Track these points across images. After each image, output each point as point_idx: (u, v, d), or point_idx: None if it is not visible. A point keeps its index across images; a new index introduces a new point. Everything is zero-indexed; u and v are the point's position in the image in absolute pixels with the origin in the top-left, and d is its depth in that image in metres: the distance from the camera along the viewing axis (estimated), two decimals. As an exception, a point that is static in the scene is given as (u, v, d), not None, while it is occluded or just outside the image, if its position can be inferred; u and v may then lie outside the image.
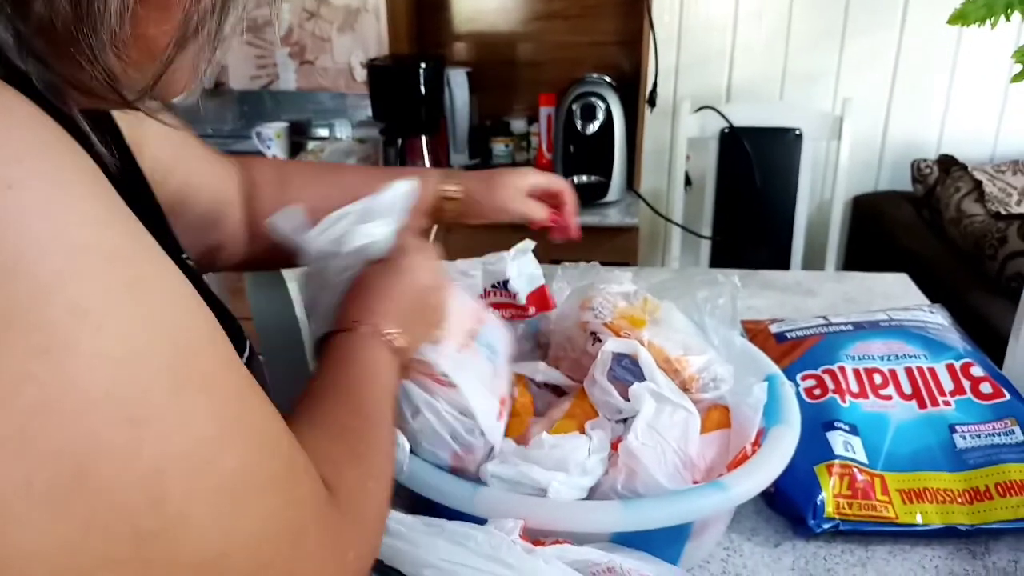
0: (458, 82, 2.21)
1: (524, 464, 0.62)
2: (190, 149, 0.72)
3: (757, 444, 0.68)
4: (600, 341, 0.74)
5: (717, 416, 0.71)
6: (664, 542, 0.64)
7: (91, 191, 0.28)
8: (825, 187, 2.35)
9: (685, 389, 0.71)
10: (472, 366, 0.66)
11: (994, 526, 0.75)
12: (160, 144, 0.64)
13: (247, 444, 0.32)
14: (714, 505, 0.62)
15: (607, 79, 2.00)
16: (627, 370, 0.70)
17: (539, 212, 0.85)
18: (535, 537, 0.57)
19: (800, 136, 2.05)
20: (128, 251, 0.29)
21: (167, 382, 0.28)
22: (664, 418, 0.65)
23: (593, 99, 1.91)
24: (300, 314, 0.95)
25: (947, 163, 2.13)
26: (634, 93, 2.03)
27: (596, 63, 2.23)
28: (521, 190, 0.85)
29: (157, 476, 0.27)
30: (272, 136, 2.34)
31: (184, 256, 0.59)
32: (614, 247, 1.92)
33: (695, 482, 0.65)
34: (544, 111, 2.21)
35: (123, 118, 0.58)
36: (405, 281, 0.60)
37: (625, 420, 0.73)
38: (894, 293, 1.35)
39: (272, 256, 0.82)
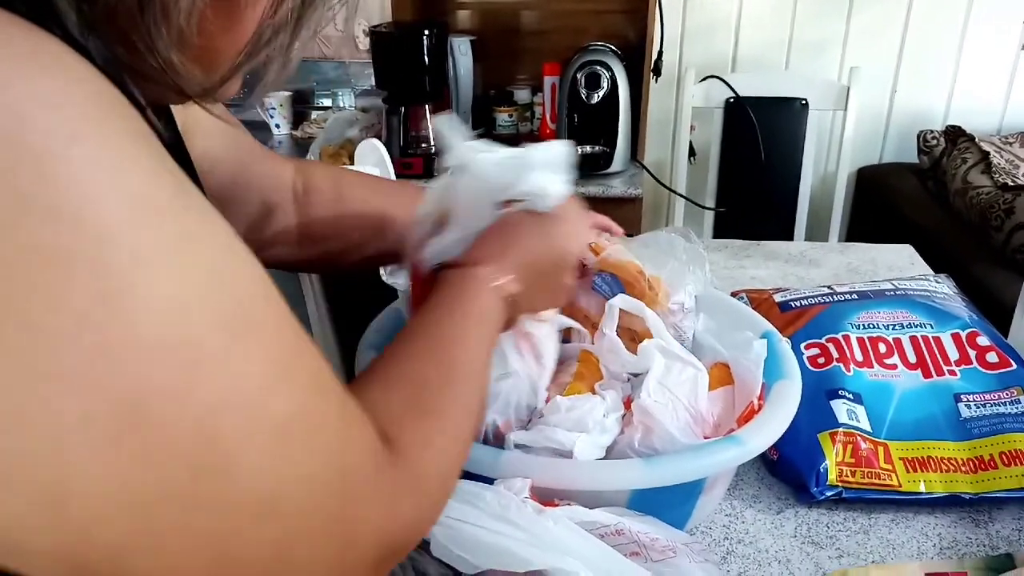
0: (462, 51, 2.19)
1: (547, 428, 0.63)
2: (242, 145, 0.71)
3: (761, 399, 0.69)
4: (585, 265, 0.79)
5: (718, 373, 0.71)
6: (680, 498, 0.66)
7: (145, 147, 0.29)
8: (830, 158, 2.34)
9: (652, 304, 0.75)
10: (551, 347, 0.67)
11: (998, 495, 0.76)
12: (210, 134, 0.64)
13: (299, 388, 0.33)
14: (733, 458, 0.63)
15: (612, 48, 1.97)
16: (607, 284, 0.76)
17: None
18: (553, 498, 0.58)
19: (806, 106, 2.03)
20: (181, 204, 0.30)
21: (221, 328, 0.30)
22: (673, 375, 0.66)
23: (598, 68, 1.89)
24: (312, 309, 0.95)
25: (954, 134, 2.11)
26: (639, 62, 2.01)
27: (601, 32, 2.20)
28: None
29: (211, 417, 0.29)
30: (275, 105, 2.32)
31: None
32: (617, 218, 1.89)
33: (706, 437, 0.66)
34: (548, 80, 2.19)
35: (176, 107, 0.58)
36: (550, 244, 0.59)
37: (629, 378, 0.75)
38: (898, 264, 1.35)
39: (322, 260, 0.83)
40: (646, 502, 0.63)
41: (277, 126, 2.37)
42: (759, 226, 1.90)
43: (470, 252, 0.56)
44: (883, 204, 2.21)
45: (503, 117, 2.31)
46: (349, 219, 0.80)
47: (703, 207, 2.10)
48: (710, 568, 0.58)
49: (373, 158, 1.25)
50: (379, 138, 1.81)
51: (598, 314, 0.80)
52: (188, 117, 0.59)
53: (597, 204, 1.90)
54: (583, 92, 1.90)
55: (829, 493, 0.76)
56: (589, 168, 1.96)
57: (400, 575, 0.54)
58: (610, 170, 1.95)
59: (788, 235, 2.08)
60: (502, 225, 0.58)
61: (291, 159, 0.82)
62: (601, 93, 1.90)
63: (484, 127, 2.33)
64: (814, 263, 1.36)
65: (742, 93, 2.03)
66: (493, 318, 0.54)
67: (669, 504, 0.65)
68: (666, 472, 0.61)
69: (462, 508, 0.54)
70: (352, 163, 1.30)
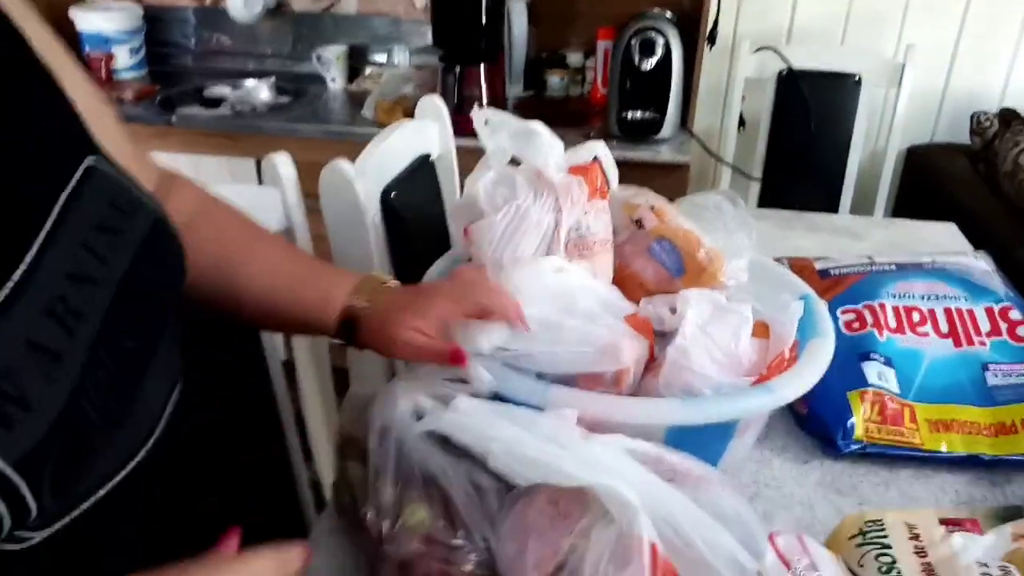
0: (517, 12, 2.21)
1: None
2: (107, 121, 0.61)
3: (794, 352, 0.73)
4: (643, 227, 0.81)
5: (756, 330, 0.76)
6: (713, 439, 0.71)
7: None
8: (880, 135, 2.33)
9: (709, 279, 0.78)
10: None
11: (1016, 458, 0.80)
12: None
13: None
14: (764, 404, 0.68)
15: (668, 15, 1.99)
16: (665, 252, 0.79)
17: (436, 352, 0.67)
18: (596, 431, 0.63)
19: (859, 82, 2.03)
20: None
21: None
22: (715, 322, 0.71)
23: (652, 34, 1.90)
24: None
25: (1008, 116, 2.09)
26: (694, 30, 2.02)
27: (657, -2, 2.21)
28: (427, 328, 0.68)
29: None
30: (331, 59, 2.37)
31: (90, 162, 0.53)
32: (664, 184, 1.93)
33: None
34: (601, 45, 2.21)
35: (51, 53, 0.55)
36: None
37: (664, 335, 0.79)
38: (941, 242, 1.36)
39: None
40: (681, 440, 0.68)
41: (333, 80, 2.42)
42: (804, 199, 1.91)
43: None
44: (931, 184, 2.20)
45: (555, 80, 2.34)
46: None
47: (749, 177, 2.12)
48: (740, 499, 0.63)
49: (432, 114, 1.30)
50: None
51: (653, 281, 0.82)
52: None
53: (645, 169, 1.94)
54: (636, 58, 1.92)
55: (854, 447, 0.81)
56: (639, 133, 1.98)
57: (458, 485, 0.60)
58: (659, 136, 1.98)
59: (833, 210, 2.09)
60: None
61: (153, 163, 0.70)
62: (654, 60, 1.91)
63: (535, 89, 2.36)
64: (857, 236, 1.38)
65: (796, 66, 2.03)
66: None
67: (703, 443, 0.70)
68: (702, 411, 0.66)
69: (518, 431, 0.60)
70: (408, 117, 1.35)
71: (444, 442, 0.62)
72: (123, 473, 0.54)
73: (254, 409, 0.96)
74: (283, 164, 0.91)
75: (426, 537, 0.57)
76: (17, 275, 0.46)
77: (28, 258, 0.47)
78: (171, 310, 0.60)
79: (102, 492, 0.52)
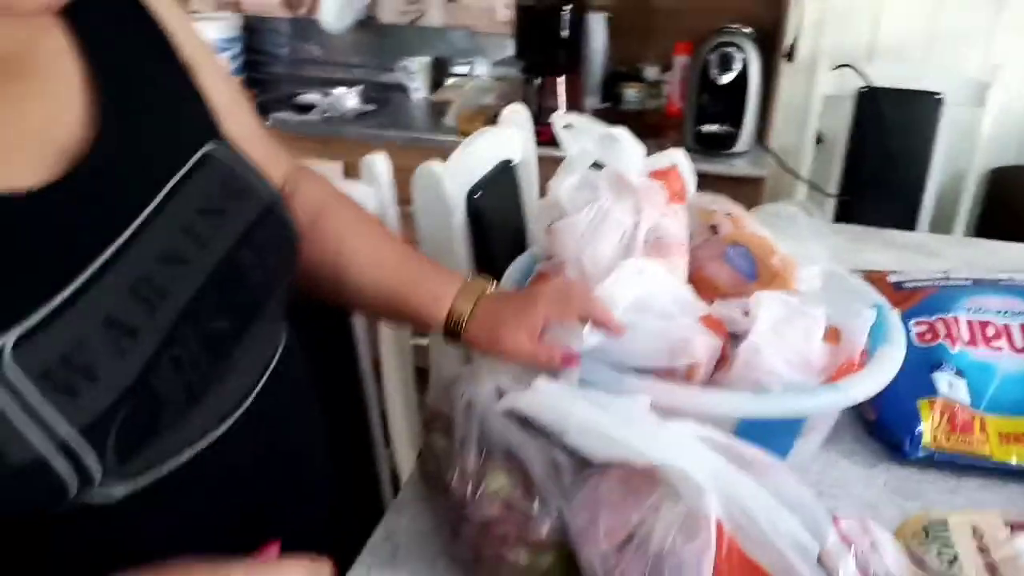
0: (596, 27, 2.26)
1: None
2: (241, 113, 0.69)
3: (864, 359, 0.75)
4: (718, 233, 0.84)
5: (827, 334, 0.78)
6: (781, 435, 0.74)
7: None
8: (962, 156, 2.27)
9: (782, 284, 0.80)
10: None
11: (1089, 473, 0.80)
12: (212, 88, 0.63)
13: None
14: (832, 402, 0.71)
15: (746, 30, 2.01)
16: (739, 257, 0.82)
17: (546, 356, 0.72)
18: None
19: (941, 101, 2.00)
20: None
21: None
22: (785, 322, 0.73)
23: (731, 49, 1.93)
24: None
25: (1101, 139, 2.03)
26: (773, 46, 2.04)
27: (735, 14, 2.22)
28: (532, 333, 0.73)
29: None
30: (414, 69, 2.46)
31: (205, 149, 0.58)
32: (739, 197, 1.93)
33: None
34: (679, 59, 2.23)
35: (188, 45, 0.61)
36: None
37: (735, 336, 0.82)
38: (1021, 263, 1.34)
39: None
40: (749, 434, 0.71)
41: (416, 89, 2.51)
42: (882, 218, 1.89)
43: None
44: (1014, 206, 2.15)
45: (630, 93, 2.37)
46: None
47: (825, 193, 2.11)
48: (805, 488, 0.65)
49: (515, 122, 1.36)
50: (515, 105, 1.90)
51: (727, 285, 0.85)
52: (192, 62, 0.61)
53: (721, 182, 1.96)
54: (714, 72, 1.95)
55: (921, 454, 0.82)
56: (715, 147, 2.00)
57: (535, 459, 0.64)
58: (735, 150, 2.00)
59: (911, 229, 2.06)
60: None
61: (289, 156, 0.78)
62: (732, 75, 1.94)
63: (612, 102, 2.40)
64: (933, 254, 1.37)
65: (877, 83, 2.02)
66: None
67: (770, 439, 0.73)
68: (772, 404, 0.69)
69: (594, 411, 0.64)
70: (489, 125, 1.41)
71: (523, 420, 0.67)
72: (205, 442, 0.56)
73: (342, 394, 1.02)
74: (380, 164, 0.97)
75: (505, 503, 0.62)
76: (108, 253, 0.49)
77: (121, 239, 0.50)
78: (272, 294, 0.62)
79: (184, 458, 0.55)
